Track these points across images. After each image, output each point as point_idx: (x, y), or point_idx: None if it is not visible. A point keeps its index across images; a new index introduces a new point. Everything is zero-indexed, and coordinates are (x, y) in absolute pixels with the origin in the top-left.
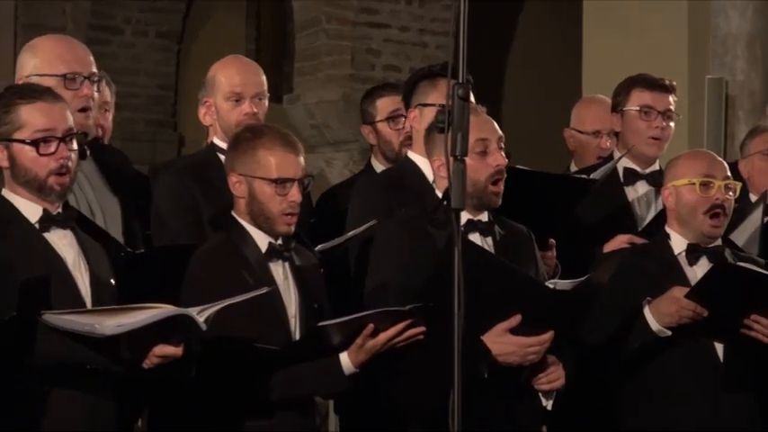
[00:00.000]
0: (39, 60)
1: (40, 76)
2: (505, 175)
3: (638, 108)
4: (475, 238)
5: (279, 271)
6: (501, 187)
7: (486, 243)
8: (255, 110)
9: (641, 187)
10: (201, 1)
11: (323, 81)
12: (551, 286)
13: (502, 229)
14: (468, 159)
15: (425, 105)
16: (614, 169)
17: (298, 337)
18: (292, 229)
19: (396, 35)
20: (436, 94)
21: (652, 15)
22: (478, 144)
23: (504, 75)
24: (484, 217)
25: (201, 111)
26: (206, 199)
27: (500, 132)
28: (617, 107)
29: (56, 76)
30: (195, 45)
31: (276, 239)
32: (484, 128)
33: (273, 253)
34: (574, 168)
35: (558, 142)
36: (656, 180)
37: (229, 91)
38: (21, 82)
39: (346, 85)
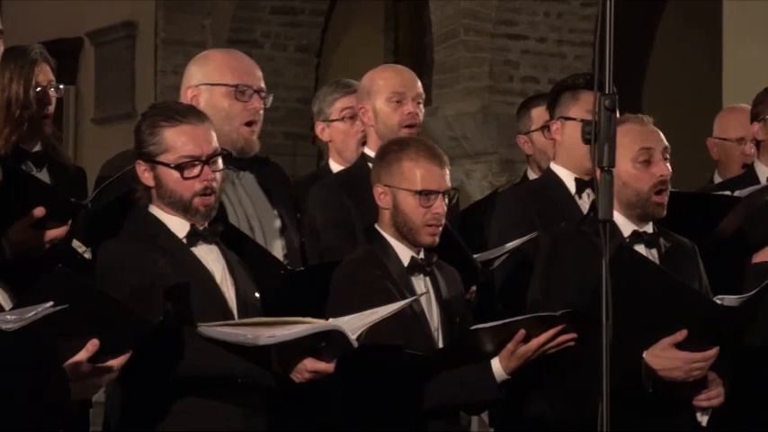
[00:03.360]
0: (210, 69)
1: (210, 85)
2: (669, 187)
3: None
4: (640, 249)
5: (420, 285)
6: (665, 198)
7: (652, 255)
8: (417, 110)
9: None
10: (340, 15)
11: (461, 93)
12: (719, 302)
13: (667, 241)
14: (631, 169)
15: (567, 119)
16: (755, 178)
17: None
18: (436, 239)
19: (534, 46)
20: (577, 108)
21: None
22: (642, 153)
23: (643, 86)
24: (649, 228)
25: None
26: (359, 211)
27: (665, 143)
28: (758, 116)
29: (227, 85)
30: (334, 58)
31: (419, 253)
32: (649, 137)
33: (415, 267)
34: (717, 179)
35: (698, 154)
36: None
37: (392, 92)
38: (189, 92)
39: (485, 97)
